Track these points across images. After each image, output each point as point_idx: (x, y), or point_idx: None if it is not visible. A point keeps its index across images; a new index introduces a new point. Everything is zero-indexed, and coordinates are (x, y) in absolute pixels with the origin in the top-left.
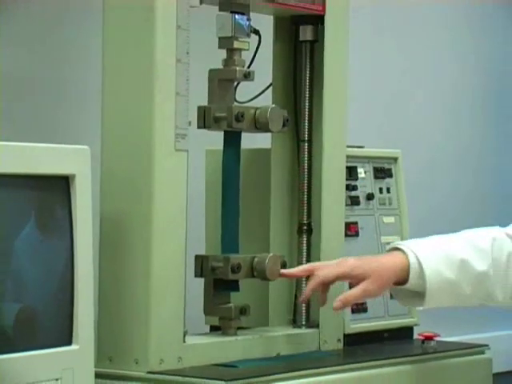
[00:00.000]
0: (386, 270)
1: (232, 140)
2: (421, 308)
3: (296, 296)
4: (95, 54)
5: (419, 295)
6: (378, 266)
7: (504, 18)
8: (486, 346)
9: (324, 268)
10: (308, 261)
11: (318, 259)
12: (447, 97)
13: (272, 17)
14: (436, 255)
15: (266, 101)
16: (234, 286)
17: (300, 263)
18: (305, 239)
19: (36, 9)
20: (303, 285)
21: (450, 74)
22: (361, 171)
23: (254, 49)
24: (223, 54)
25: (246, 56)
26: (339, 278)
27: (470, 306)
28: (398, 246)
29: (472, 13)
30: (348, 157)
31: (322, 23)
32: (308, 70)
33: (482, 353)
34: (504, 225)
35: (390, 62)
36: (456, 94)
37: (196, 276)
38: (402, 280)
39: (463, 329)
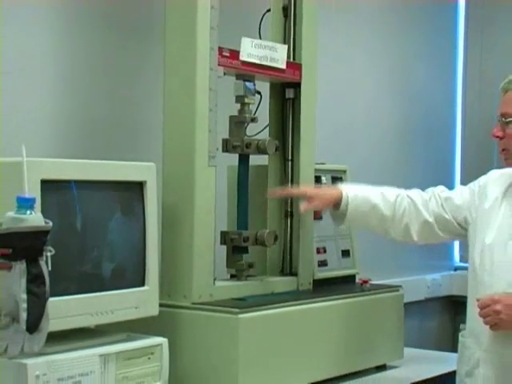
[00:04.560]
0: (328, 197)
1: (244, 160)
2: (343, 226)
3: (283, 256)
4: (159, 102)
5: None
6: (325, 194)
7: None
8: (400, 286)
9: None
10: (291, 234)
11: (298, 234)
12: (378, 124)
13: (268, 83)
14: (360, 197)
15: (265, 135)
16: (244, 250)
17: (286, 236)
18: (289, 220)
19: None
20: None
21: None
22: (323, 179)
23: (258, 102)
24: (238, 106)
25: (253, 107)
26: (307, 197)
27: (375, 232)
28: (339, 187)
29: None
30: (316, 170)
31: (300, 87)
32: (291, 116)
33: (398, 291)
34: None
35: (338, 103)
36: (382, 122)
37: (221, 244)
38: (336, 206)
39: (386, 275)
